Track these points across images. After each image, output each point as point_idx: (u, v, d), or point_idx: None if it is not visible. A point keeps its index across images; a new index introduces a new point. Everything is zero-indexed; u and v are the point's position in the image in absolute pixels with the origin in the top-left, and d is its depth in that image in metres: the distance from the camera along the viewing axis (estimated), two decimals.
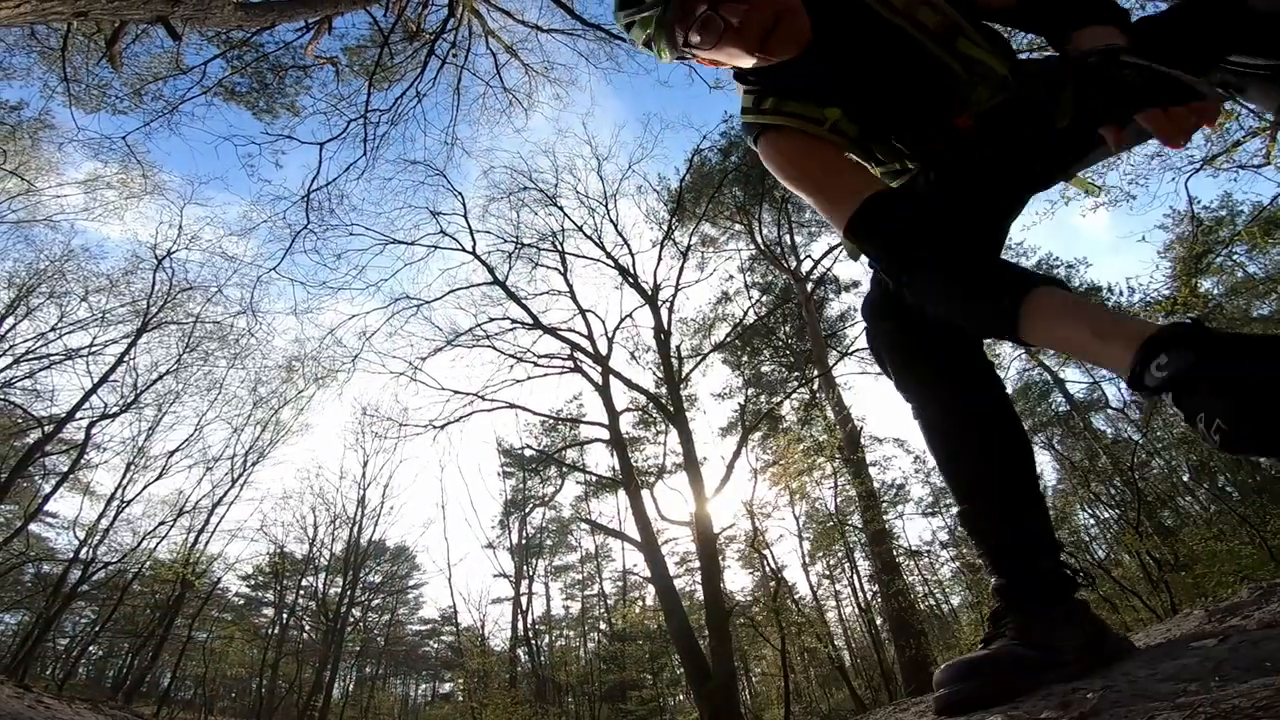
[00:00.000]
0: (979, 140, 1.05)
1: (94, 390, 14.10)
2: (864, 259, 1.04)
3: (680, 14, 1.01)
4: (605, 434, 12.27)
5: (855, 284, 18.41)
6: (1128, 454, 13.97)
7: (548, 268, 14.04)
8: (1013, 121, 1.03)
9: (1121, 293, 18.10)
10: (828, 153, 1.09)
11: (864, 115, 1.09)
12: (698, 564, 11.19)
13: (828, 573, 20.88)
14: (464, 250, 13.12)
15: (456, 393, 12.35)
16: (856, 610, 17.89)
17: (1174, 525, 14.77)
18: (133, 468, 16.48)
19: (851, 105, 1.07)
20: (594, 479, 21.78)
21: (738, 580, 22.71)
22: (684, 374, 13.02)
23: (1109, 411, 18.68)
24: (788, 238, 17.19)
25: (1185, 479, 16.35)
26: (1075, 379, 19.43)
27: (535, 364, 12.89)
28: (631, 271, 13.40)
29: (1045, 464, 29.94)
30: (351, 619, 23.84)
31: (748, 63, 1.07)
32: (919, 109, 1.07)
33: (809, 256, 17.40)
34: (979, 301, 0.87)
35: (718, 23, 0.98)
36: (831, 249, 16.67)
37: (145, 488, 16.58)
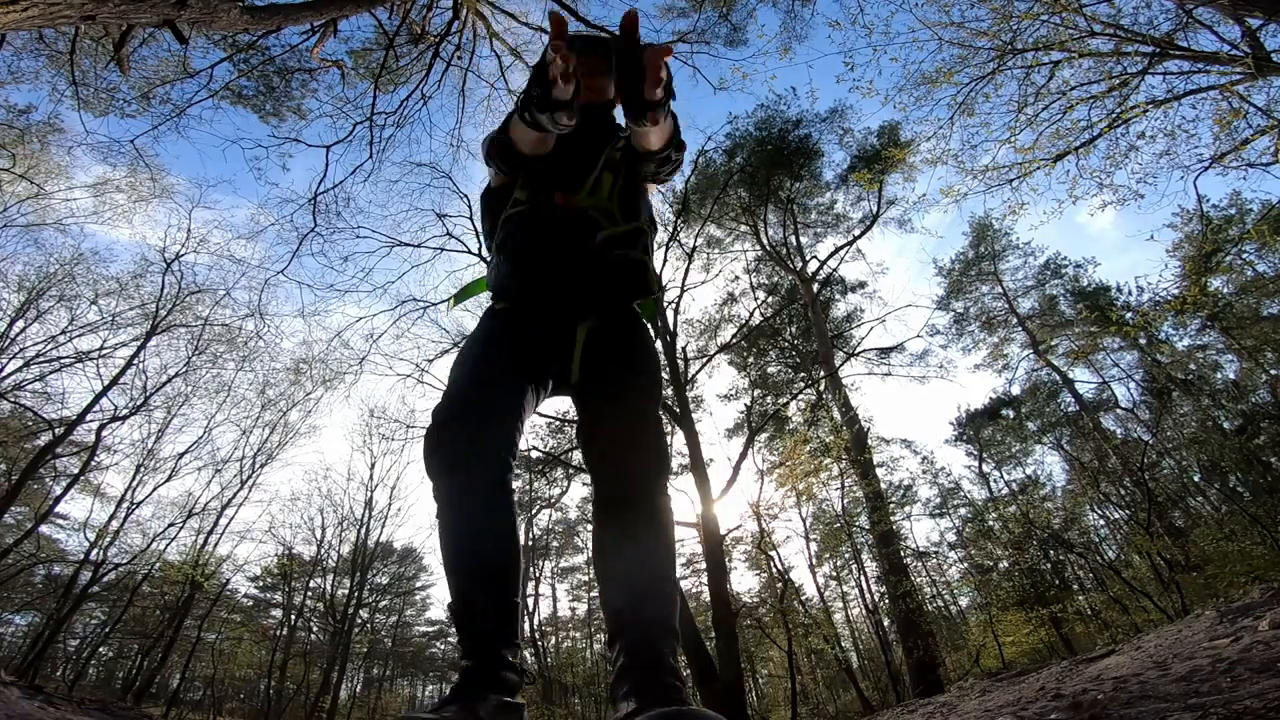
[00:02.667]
0: None
1: (104, 393, 14.17)
2: None
3: None
4: None
5: (861, 284, 18.39)
6: (1138, 454, 13.90)
7: None
8: None
9: (1130, 292, 18.03)
10: None
11: None
12: (704, 565, 11.16)
13: (835, 574, 20.87)
14: (470, 252, 13.16)
15: None
16: (864, 611, 17.84)
17: (1185, 526, 14.65)
18: (142, 470, 16.63)
19: None
20: None
21: (744, 582, 22.69)
22: (690, 375, 13.00)
23: (1118, 412, 18.58)
24: (793, 239, 17.17)
25: (1196, 479, 16.23)
26: (1084, 379, 19.34)
27: None
28: None
29: (1054, 464, 29.85)
30: (359, 620, 23.90)
31: None
32: None
33: (815, 257, 17.39)
34: None
35: None
36: (837, 250, 16.66)
37: (155, 490, 16.73)
